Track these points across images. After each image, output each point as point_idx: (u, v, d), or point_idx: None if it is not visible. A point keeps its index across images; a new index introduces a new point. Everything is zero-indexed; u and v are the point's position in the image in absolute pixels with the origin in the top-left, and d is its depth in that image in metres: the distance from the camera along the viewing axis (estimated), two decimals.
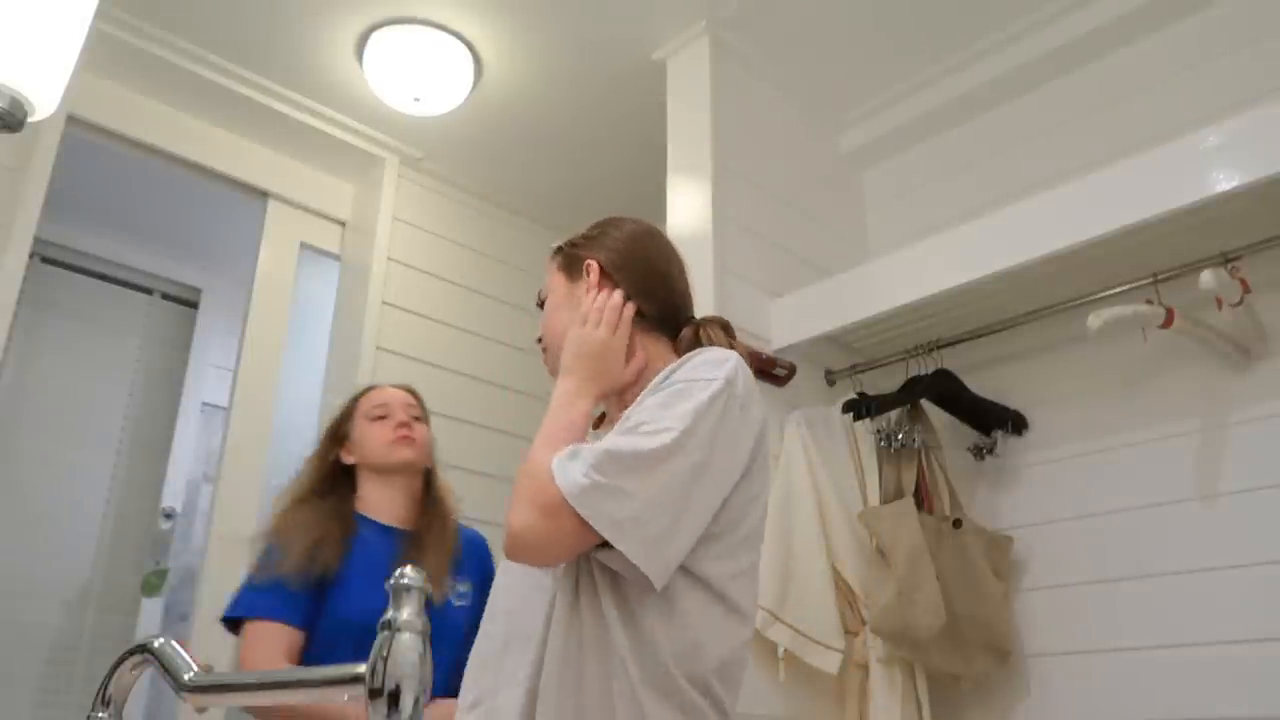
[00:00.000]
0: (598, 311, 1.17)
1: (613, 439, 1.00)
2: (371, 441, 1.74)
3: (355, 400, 1.82)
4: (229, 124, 2.54)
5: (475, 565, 1.75)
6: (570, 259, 1.26)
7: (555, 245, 1.30)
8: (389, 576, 0.61)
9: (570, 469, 0.97)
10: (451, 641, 1.43)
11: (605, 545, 0.97)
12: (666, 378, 1.07)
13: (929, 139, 2.44)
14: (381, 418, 1.75)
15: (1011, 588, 1.99)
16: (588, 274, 1.21)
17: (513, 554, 1.01)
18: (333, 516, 1.65)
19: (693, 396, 1.02)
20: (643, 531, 0.96)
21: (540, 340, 1.28)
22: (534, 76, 2.43)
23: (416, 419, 1.79)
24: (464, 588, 1.68)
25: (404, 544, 1.68)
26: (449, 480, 1.83)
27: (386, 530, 1.70)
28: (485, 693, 1.06)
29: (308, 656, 1.55)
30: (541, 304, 1.29)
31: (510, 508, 1.01)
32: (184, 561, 3.20)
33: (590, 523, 0.95)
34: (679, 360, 1.10)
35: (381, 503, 1.72)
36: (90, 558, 2.98)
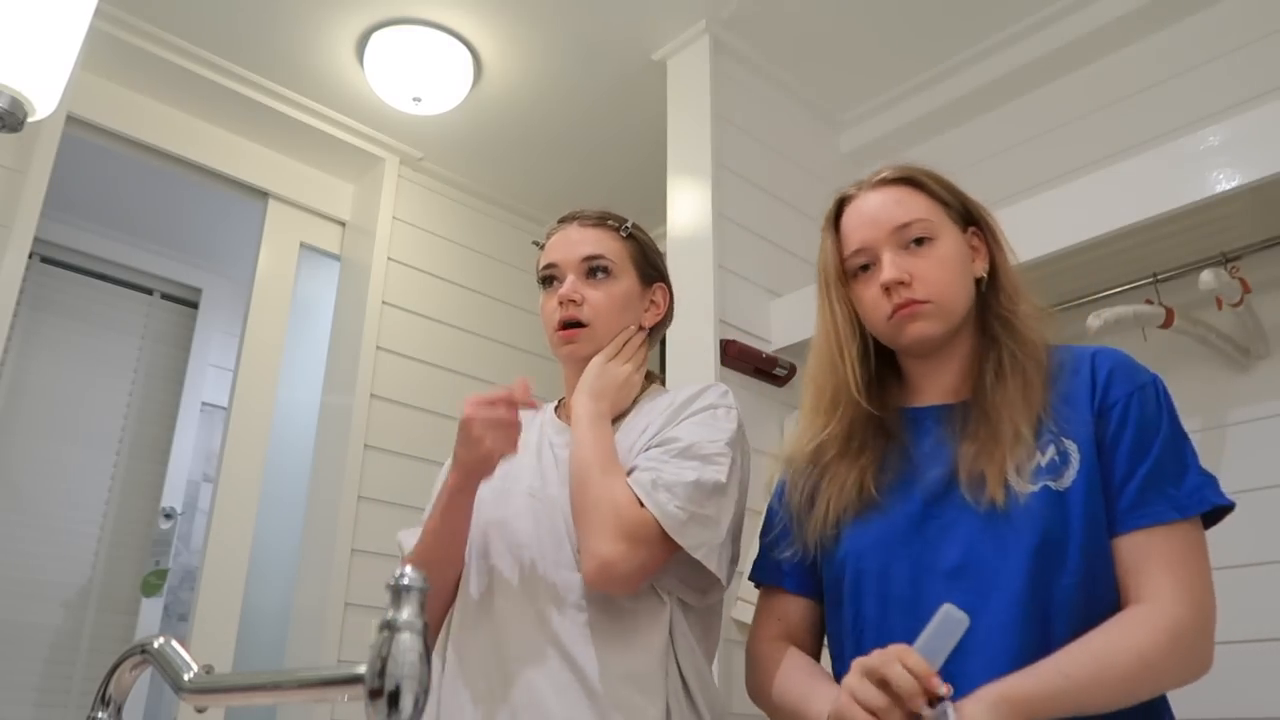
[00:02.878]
0: (631, 349, 1.26)
1: (678, 464, 1.10)
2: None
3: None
4: (229, 124, 2.54)
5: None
6: (646, 264, 1.32)
7: (624, 226, 1.32)
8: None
9: (662, 501, 1.06)
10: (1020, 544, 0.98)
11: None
12: (688, 404, 1.19)
13: (928, 140, 2.44)
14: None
15: None
16: (656, 297, 1.33)
17: (602, 584, 1.08)
18: None
19: (722, 423, 1.17)
20: (724, 552, 1.11)
21: (574, 303, 1.25)
22: (534, 77, 2.43)
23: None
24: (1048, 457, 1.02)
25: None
26: None
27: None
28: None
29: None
30: (600, 268, 1.27)
31: (592, 537, 1.07)
32: (184, 561, 3.20)
33: (692, 552, 1.07)
34: (684, 389, 1.24)
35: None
36: (90, 558, 2.98)
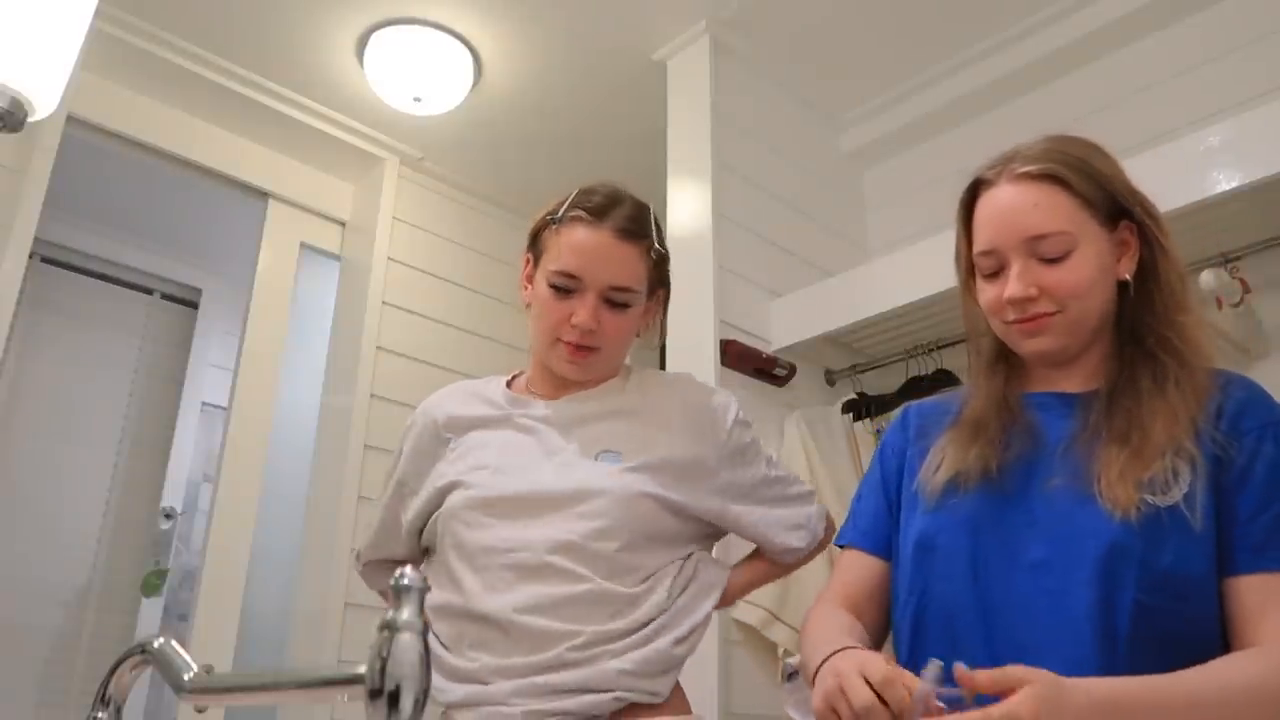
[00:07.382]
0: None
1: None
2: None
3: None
4: (229, 124, 2.54)
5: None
6: (656, 279, 1.28)
7: (657, 246, 1.26)
8: None
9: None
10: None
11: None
12: (729, 419, 1.26)
13: (929, 139, 2.44)
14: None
15: None
16: (652, 303, 1.30)
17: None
18: None
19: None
20: None
21: (593, 332, 1.20)
22: (534, 77, 2.43)
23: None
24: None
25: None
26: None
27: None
28: None
29: None
30: (624, 302, 1.22)
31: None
32: (184, 561, 3.20)
33: None
34: (709, 394, 1.30)
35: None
36: (90, 558, 2.98)
